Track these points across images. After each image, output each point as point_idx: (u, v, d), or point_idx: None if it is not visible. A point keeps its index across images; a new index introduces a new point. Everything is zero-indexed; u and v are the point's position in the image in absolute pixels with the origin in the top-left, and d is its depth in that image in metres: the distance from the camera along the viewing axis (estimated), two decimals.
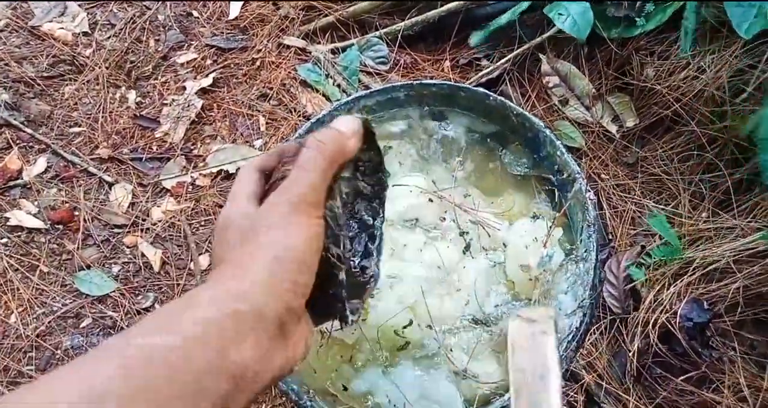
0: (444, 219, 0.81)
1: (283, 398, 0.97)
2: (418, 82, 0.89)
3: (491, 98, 0.85)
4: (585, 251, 0.73)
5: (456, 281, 0.75)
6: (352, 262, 0.56)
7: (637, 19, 1.19)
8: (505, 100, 0.85)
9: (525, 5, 1.25)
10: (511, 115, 0.84)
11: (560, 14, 1.20)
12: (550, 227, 0.77)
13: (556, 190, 0.82)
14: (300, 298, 0.40)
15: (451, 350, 0.71)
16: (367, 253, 0.57)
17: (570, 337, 0.67)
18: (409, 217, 0.80)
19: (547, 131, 0.81)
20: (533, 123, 0.82)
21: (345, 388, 0.70)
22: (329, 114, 0.87)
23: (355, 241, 0.56)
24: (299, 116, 1.31)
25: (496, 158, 0.88)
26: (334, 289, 0.45)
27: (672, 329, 1.02)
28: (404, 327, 0.71)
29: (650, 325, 1.04)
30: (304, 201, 0.41)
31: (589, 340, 1.08)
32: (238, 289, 0.37)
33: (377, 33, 1.41)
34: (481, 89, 0.87)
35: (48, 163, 1.26)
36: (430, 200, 0.81)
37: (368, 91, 0.88)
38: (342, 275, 0.44)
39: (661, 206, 1.19)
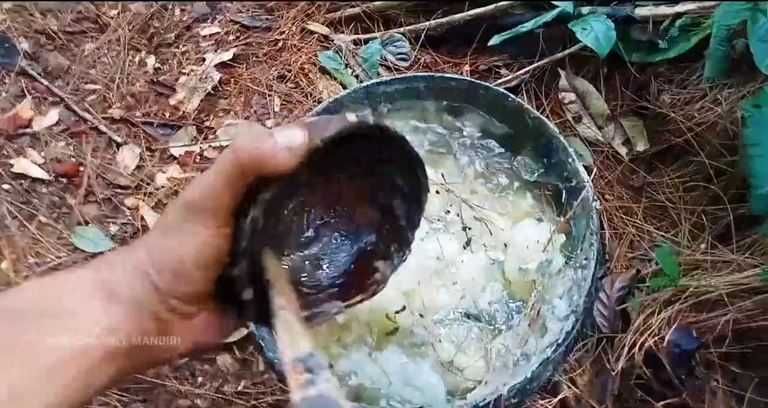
0: (448, 212, 0.81)
1: (265, 376, 0.96)
2: (438, 75, 0.89)
3: (510, 99, 0.86)
4: (585, 259, 0.74)
5: (453, 274, 0.75)
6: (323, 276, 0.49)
7: (660, 41, 1.19)
8: (522, 102, 0.85)
9: (550, 16, 1.25)
10: (527, 118, 0.84)
11: (584, 29, 1.20)
12: (553, 232, 0.77)
13: (563, 196, 0.82)
14: (184, 305, 0.37)
15: (440, 341, 0.71)
16: (388, 261, 0.50)
17: (560, 340, 0.67)
18: None
19: (561, 138, 0.81)
20: (548, 128, 0.82)
21: (331, 366, 0.70)
22: (348, 96, 0.87)
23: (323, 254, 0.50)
24: (314, 101, 1.31)
25: (507, 160, 0.88)
26: (243, 310, 0.39)
27: (658, 354, 1.02)
28: (396, 312, 0.71)
29: (637, 348, 1.03)
30: (200, 209, 0.36)
31: (574, 356, 1.08)
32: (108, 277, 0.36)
33: (401, 29, 1.41)
34: (500, 89, 0.87)
35: (59, 116, 1.26)
36: (437, 192, 0.81)
37: (388, 78, 0.89)
38: (247, 296, 0.38)
39: (662, 233, 1.19)
